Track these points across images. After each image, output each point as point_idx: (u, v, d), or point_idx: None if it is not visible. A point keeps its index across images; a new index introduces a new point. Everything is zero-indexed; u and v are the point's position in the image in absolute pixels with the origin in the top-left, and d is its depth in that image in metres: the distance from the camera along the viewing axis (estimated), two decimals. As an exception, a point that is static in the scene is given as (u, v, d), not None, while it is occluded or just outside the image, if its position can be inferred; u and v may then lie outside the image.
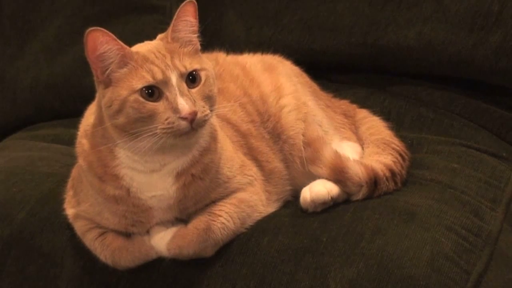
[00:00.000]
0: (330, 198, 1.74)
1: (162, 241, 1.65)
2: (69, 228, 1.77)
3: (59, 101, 2.47)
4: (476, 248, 1.69)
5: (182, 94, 1.56)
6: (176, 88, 1.56)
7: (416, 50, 2.18)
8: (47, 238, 1.80)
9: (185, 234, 1.64)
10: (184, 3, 1.61)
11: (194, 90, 1.59)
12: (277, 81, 1.88)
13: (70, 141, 1.81)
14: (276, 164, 1.81)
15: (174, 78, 1.57)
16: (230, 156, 1.72)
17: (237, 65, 1.90)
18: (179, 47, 1.61)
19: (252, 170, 1.75)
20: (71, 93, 2.43)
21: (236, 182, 1.71)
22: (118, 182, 1.64)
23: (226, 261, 1.66)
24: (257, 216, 1.72)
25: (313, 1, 2.30)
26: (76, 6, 2.49)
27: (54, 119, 2.46)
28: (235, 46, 2.07)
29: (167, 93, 1.56)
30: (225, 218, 1.66)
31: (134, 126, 1.57)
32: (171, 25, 1.62)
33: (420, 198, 1.78)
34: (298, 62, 1.99)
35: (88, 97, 1.72)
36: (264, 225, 1.71)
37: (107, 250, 1.68)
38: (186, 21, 1.62)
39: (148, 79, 1.56)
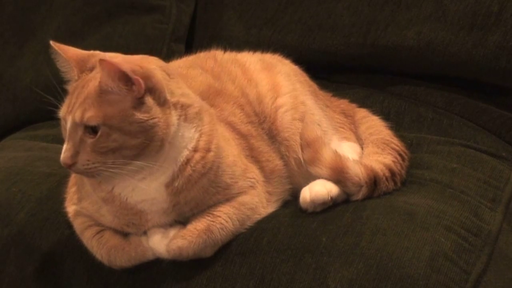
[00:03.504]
0: (329, 198, 1.74)
1: (161, 242, 1.64)
2: (69, 227, 1.77)
3: (59, 101, 2.46)
4: (475, 248, 1.69)
5: (69, 140, 1.57)
6: (68, 133, 1.57)
7: (415, 50, 2.17)
8: (47, 238, 1.80)
9: (185, 235, 1.63)
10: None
11: (89, 141, 1.55)
12: (274, 80, 1.86)
13: (70, 141, 1.81)
14: (276, 162, 1.79)
15: (69, 123, 1.57)
16: (233, 161, 1.69)
17: (236, 63, 1.88)
18: (102, 93, 1.55)
19: (254, 172, 1.74)
20: (71, 93, 2.42)
21: (238, 188, 1.69)
22: (99, 183, 1.63)
23: (225, 261, 1.66)
24: (257, 217, 1.72)
25: (312, 1, 2.30)
26: (75, 6, 2.49)
27: (54, 119, 2.44)
28: (234, 46, 2.06)
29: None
30: (224, 219, 1.65)
31: None
32: None
33: (419, 198, 1.78)
34: (297, 62, 1.98)
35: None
36: (264, 225, 1.71)
37: (103, 249, 1.67)
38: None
39: (60, 111, 1.60)
